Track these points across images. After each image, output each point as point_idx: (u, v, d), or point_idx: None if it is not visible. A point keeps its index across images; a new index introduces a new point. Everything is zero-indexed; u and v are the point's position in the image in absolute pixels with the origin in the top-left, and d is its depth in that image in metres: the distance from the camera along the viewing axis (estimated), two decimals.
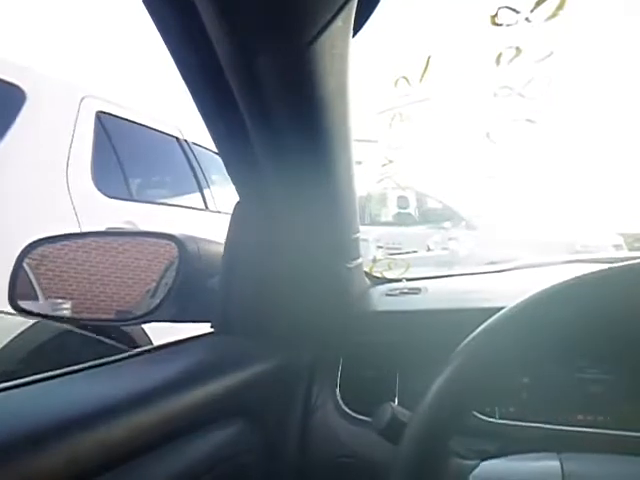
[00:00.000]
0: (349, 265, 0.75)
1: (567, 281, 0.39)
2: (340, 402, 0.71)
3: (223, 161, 0.64)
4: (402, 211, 4.99)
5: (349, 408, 0.70)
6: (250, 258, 0.71)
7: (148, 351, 0.68)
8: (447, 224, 4.81)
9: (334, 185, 0.60)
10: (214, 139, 0.61)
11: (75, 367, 0.53)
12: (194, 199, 2.68)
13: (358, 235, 0.72)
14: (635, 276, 0.38)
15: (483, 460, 0.42)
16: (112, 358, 0.61)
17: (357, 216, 0.69)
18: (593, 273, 0.39)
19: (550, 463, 0.40)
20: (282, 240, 0.68)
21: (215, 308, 0.75)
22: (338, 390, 0.72)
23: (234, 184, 0.66)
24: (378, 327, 0.76)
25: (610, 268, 0.39)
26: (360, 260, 0.79)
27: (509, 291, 0.67)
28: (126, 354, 0.63)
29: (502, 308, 0.41)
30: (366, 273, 0.90)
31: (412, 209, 5.05)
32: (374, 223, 4.93)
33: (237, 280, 0.75)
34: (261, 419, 0.64)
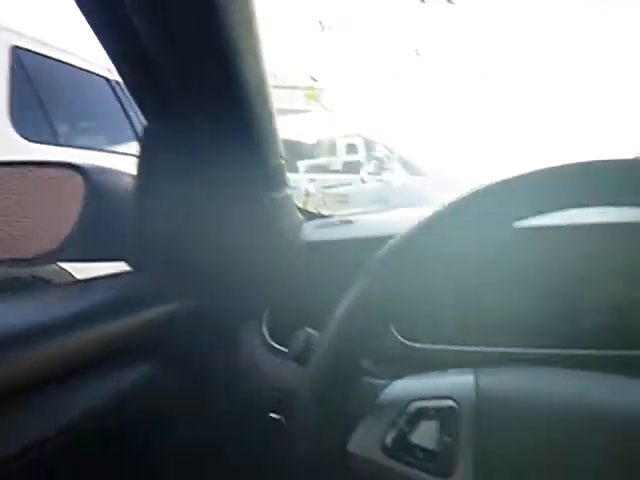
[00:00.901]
0: (274, 195, 0.70)
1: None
2: (267, 337, 0.69)
3: (123, 81, 0.58)
4: (351, 159, 4.94)
5: (277, 342, 0.68)
6: (164, 189, 0.65)
7: (60, 286, 0.63)
8: (379, 153, 4.78)
9: (248, 107, 0.54)
10: (110, 55, 0.54)
11: None
12: (130, 146, 2.53)
13: (282, 162, 0.67)
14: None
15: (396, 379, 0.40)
16: (21, 292, 0.57)
17: (278, 141, 0.65)
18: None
19: (464, 377, 0.39)
20: (197, 169, 0.63)
21: (130, 245, 0.70)
22: (265, 325, 0.70)
23: (138, 106, 0.60)
24: (307, 258, 0.73)
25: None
26: (288, 191, 0.74)
27: None
28: (36, 290, 0.59)
29: None
30: (299, 208, 0.86)
31: (361, 156, 5.00)
32: (323, 171, 4.86)
33: (151, 214, 0.69)
34: (181, 359, 0.61)
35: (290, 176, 0.76)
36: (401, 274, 0.37)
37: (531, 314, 0.59)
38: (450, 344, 0.63)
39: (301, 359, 0.43)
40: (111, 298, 0.59)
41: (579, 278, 0.59)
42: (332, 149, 5.19)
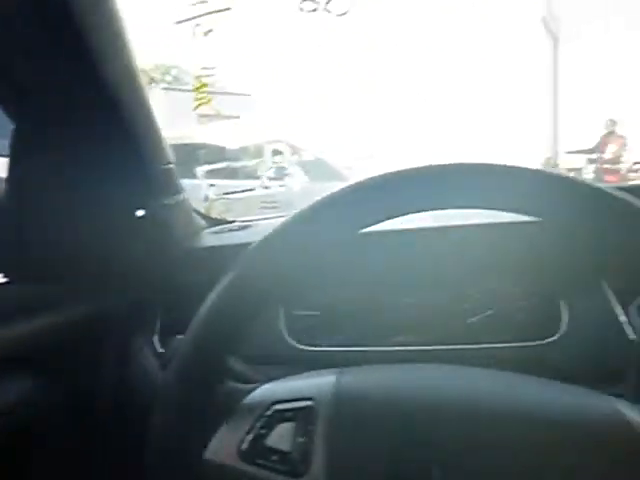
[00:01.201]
0: (165, 201, 0.69)
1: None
2: (158, 347, 0.67)
3: None
4: (277, 165, 4.93)
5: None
6: (38, 195, 0.62)
7: None
8: (278, 158, 4.83)
9: (121, 108, 0.53)
10: None
11: None
12: None
13: (170, 167, 0.66)
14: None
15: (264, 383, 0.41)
16: None
17: (165, 146, 0.63)
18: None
19: (327, 378, 0.39)
20: (74, 173, 0.60)
21: (5, 255, 0.65)
22: (157, 335, 0.68)
23: (5, 111, 0.56)
24: (202, 264, 0.71)
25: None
26: (181, 196, 0.73)
27: None
28: None
29: None
30: (199, 213, 0.85)
31: (287, 162, 5.01)
32: (249, 177, 4.81)
33: (27, 222, 0.65)
34: (61, 372, 0.58)
35: (189, 181, 0.75)
36: (262, 274, 0.37)
37: (395, 313, 0.63)
38: (340, 345, 0.64)
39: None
40: None
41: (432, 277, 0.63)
42: (258, 154, 5.15)
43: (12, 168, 0.60)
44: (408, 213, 0.36)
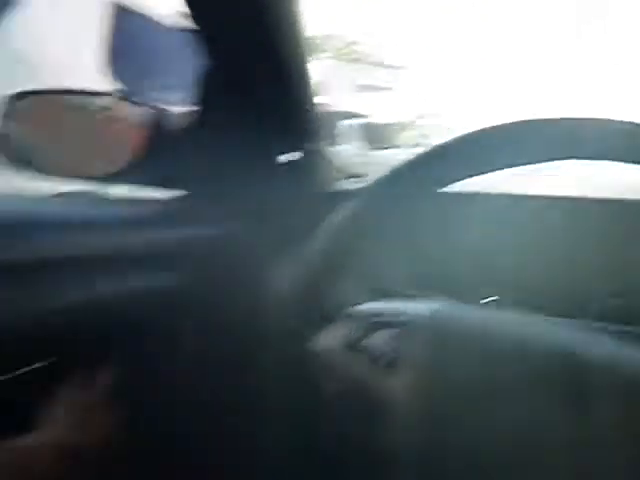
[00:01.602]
0: (309, 148, 0.76)
1: None
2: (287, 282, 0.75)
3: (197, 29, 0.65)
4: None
5: None
6: (215, 125, 0.73)
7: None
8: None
9: (281, 56, 0.61)
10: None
11: None
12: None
13: (315, 115, 0.73)
14: None
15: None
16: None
17: (313, 95, 0.70)
18: None
19: (428, 304, 0.43)
20: (242, 109, 0.70)
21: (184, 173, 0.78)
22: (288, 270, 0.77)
23: (203, 51, 0.68)
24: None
25: None
26: (324, 145, 0.80)
27: None
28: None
29: None
30: (338, 168, 0.91)
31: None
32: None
33: (204, 147, 0.77)
34: (206, 277, 0.69)
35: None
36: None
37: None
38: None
39: None
40: (159, 211, 0.68)
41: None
42: (408, 129, 5.15)
43: (198, 100, 0.72)
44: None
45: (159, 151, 0.77)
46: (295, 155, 0.76)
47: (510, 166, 0.40)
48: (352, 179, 0.90)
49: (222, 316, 0.71)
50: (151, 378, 0.63)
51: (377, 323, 0.42)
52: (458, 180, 0.43)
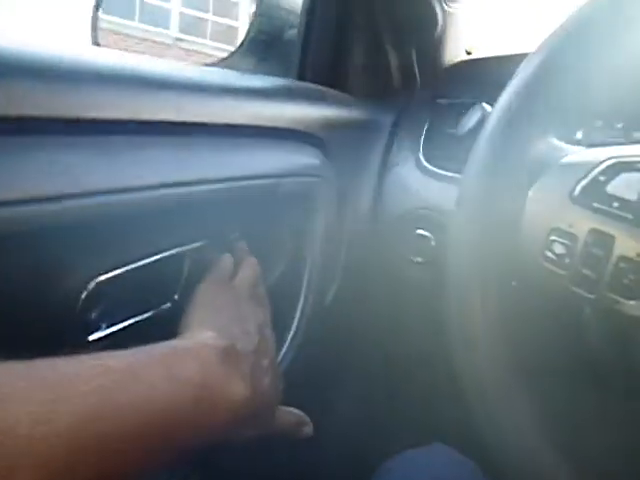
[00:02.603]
0: (445, 7, 0.65)
1: None
2: (422, 159, 0.67)
3: None
4: None
5: (431, 165, 0.66)
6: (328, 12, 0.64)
7: None
8: None
9: None
10: None
11: None
12: None
13: None
14: None
15: None
16: None
17: None
18: None
19: None
20: None
21: (294, 61, 0.71)
22: (421, 147, 0.68)
23: None
24: (468, 80, 0.68)
25: None
26: (459, 7, 0.68)
27: None
28: None
29: None
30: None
31: None
32: None
33: (317, 28, 0.69)
34: (337, 160, 0.62)
35: None
36: None
37: None
38: None
39: (472, 134, 0.41)
40: (282, 88, 0.60)
41: None
42: None
43: None
44: None
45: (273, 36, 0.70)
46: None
47: None
48: None
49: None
50: None
51: (620, 164, 0.33)
52: None
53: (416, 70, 0.70)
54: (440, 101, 0.69)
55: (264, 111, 0.52)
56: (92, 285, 0.41)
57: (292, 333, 0.56)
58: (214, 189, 0.45)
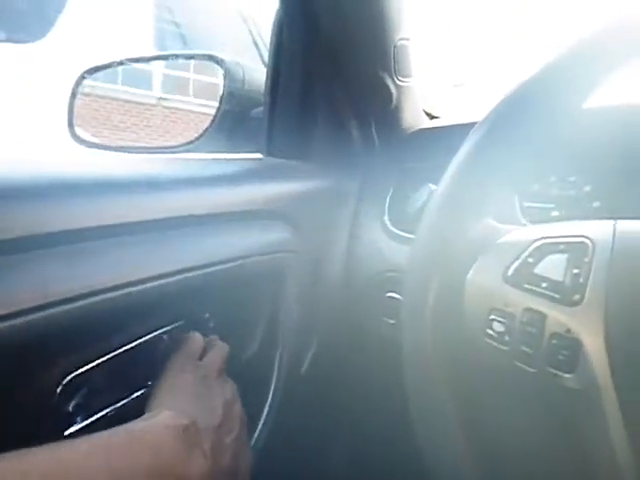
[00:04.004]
0: (397, 82, 0.70)
1: None
2: (387, 223, 0.70)
3: None
4: None
5: (396, 228, 0.70)
6: (293, 74, 0.69)
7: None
8: None
9: None
10: None
11: None
12: None
13: (406, 44, 0.66)
14: None
15: None
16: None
17: (403, 17, 0.63)
18: None
19: (601, 222, 0.37)
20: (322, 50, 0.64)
21: (261, 136, 0.75)
22: (387, 214, 0.71)
23: None
24: (427, 147, 0.72)
25: None
26: (411, 82, 0.73)
27: None
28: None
29: None
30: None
31: None
32: None
33: (281, 105, 0.73)
34: (306, 231, 0.65)
35: None
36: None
37: None
38: None
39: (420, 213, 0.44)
40: (247, 171, 0.64)
41: None
42: None
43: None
44: None
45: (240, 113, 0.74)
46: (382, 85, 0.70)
47: None
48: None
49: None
50: None
51: (547, 245, 0.36)
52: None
53: (375, 139, 0.74)
54: (405, 165, 0.73)
55: (231, 197, 0.55)
56: (67, 380, 0.43)
57: (268, 404, 0.57)
58: (184, 278, 0.47)
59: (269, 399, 0.57)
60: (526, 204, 0.63)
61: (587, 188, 0.61)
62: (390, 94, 0.71)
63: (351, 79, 0.69)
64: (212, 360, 0.47)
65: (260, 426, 0.56)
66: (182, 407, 0.39)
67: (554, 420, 0.34)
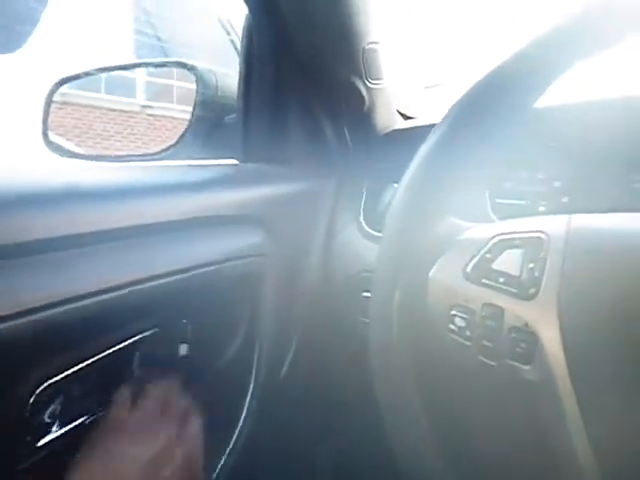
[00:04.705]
0: (368, 85, 0.71)
1: None
2: (363, 223, 0.71)
3: None
4: None
5: (372, 229, 0.70)
6: (265, 79, 0.69)
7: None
8: None
9: None
10: None
11: None
12: None
13: (375, 47, 0.67)
14: None
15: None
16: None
17: (372, 22, 0.64)
18: None
19: (556, 217, 0.38)
20: (288, 54, 0.65)
21: (236, 142, 0.75)
22: (362, 213, 0.72)
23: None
24: (399, 148, 0.73)
25: None
26: (382, 84, 0.74)
27: None
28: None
29: None
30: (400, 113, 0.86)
31: None
32: None
33: (255, 110, 0.74)
34: (281, 234, 0.66)
35: None
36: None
37: None
38: None
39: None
40: (224, 177, 0.65)
41: None
42: None
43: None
44: None
45: (206, 119, 0.75)
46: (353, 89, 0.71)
47: None
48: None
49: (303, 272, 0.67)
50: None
51: (503, 241, 0.37)
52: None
53: (349, 141, 0.75)
54: (378, 166, 0.74)
55: (206, 203, 0.56)
56: (40, 390, 0.43)
57: (246, 407, 0.58)
58: (160, 284, 0.47)
59: (247, 402, 0.57)
60: (497, 201, 0.65)
61: (557, 184, 0.63)
62: (362, 97, 0.71)
63: (322, 82, 0.70)
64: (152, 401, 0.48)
65: (238, 429, 0.56)
66: None
67: (515, 411, 0.35)
